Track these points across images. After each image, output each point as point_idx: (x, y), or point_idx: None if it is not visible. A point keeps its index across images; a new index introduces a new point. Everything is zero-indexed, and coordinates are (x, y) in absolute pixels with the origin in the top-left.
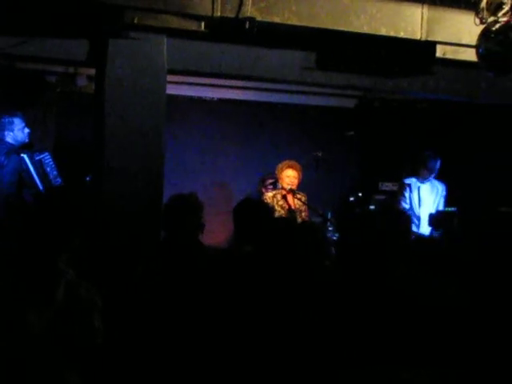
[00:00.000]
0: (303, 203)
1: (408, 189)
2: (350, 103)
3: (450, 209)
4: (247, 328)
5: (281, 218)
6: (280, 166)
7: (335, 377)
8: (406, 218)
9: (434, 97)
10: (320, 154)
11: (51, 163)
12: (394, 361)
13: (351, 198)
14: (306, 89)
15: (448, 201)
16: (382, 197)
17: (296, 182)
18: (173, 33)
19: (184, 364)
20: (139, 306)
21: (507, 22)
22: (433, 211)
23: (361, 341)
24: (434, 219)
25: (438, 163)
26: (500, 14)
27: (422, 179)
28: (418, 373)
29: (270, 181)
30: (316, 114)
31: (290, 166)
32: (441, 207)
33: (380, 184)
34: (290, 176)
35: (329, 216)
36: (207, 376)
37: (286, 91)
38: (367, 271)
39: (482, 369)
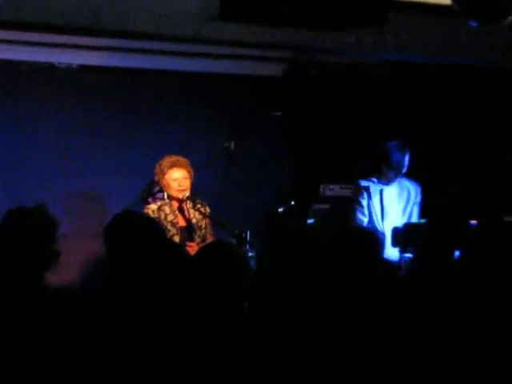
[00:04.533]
0: (206, 216)
1: (365, 194)
2: (275, 70)
3: (421, 221)
4: None
5: (174, 242)
6: (158, 166)
7: None
8: (374, 242)
9: (396, 58)
10: (232, 146)
11: None
12: None
13: (280, 209)
14: (209, 50)
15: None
16: (324, 206)
17: (188, 184)
18: None
19: None
20: None
21: None
22: (400, 225)
23: None
24: (398, 235)
25: (407, 156)
26: None
27: (386, 180)
28: None
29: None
30: (225, 86)
31: (173, 165)
32: (414, 218)
33: (322, 188)
34: (177, 179)
35: (247, 236)
36: None
37: (180, 54)
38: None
39: None
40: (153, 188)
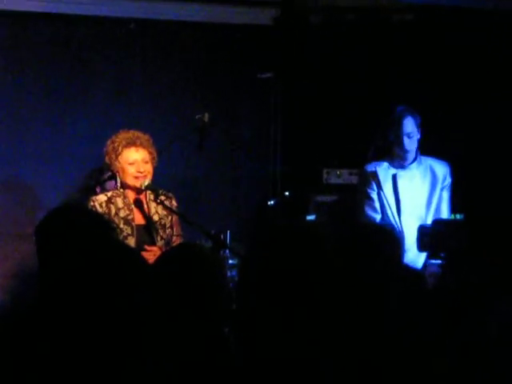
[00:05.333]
0: (173, 212)
1: (374, 183)
2: (264, 16)
3: (456, 216)
4: None
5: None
6: (111, 144)
7: None
8: (393, 243)
9: (428, 1)
10: (206, 118)
11: None
12: None
13: (270, 202)
14: None
15: (454, 199)
16: (328, 197)
17: (149, 169)
18: None
19: None
20: None
21: None
22: (426, 220)
23: None
24: (427, 236)
25: (417, 123)
26: None
27: (400, 161)
28: None
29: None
30: (198, 38)
31: (130, 143)
32: (445, 213)
33: (325, 173)
34: (135, 161)
35: (226, 239)
36: None
37: None
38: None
39: None
40: (103, 174)
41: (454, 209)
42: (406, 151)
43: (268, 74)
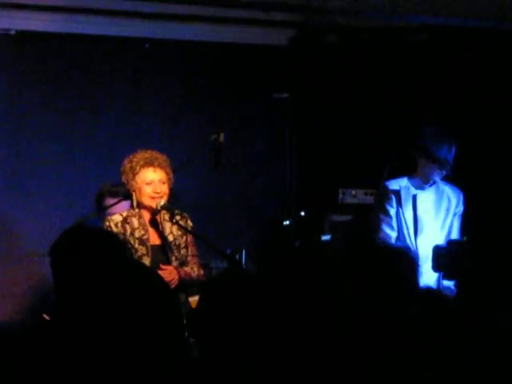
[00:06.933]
0: (188, 232)
1: (394, 200)
2: (280, 37)
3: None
4: None
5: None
6: (128, 164)
7: None
8: (410, 266)
9: (435, 21)
10: (222, 138)
11: None
12: None
13: (286, 222)
14: (195, 11)
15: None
16: (344, 217)
17: (165, 190)
18: None
19: None
20: None
21: None
22: (440, 241)
23: None
24: (442, 257)
25: (454, 150)
26: None
27: (422, 181)
28: None
29: (112, 199)
30: (215, 59)
31: (148, 163)
32: (454, 234)
33: (341, 193)
34: (152, 182)
35: (242, 258)
36: None
37: (157, 16)
38: None
39: None
40: (103, 199)
41: (461, 231)
42: (432, 176)
43: (284, 94)
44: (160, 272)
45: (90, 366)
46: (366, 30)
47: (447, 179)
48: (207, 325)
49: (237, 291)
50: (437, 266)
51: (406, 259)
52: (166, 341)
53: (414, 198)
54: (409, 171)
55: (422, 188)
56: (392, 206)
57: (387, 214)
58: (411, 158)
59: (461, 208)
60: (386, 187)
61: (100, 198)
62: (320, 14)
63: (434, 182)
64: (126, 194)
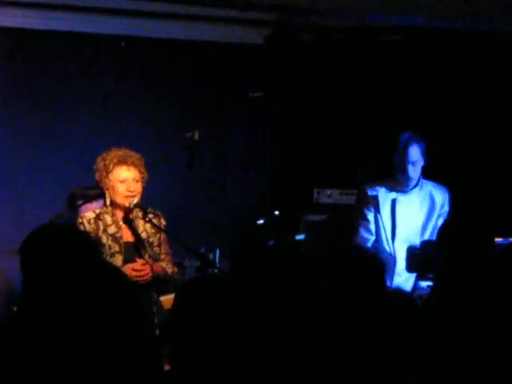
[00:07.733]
0: (161, 231)
1: (372, 204)
2: (256, 36)
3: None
4: None
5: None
6: (102, 162)
7: None
8: (378, 269)
9: (408, 21)
10: (196, 137)
11: None
12: None
13: (260, 221)
14: (171, 9)
15: None
16: (319, 217)
17: (139, 188)
18: None
19: None
20: None
21: None
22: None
23: None
24: (416, 257)
25: (423, 145)
26: None
27: (401, 186)
28: None
29: (82, 200)
30: (190, 57)
31: (121, 161)
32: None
33: (316, 193)
34: (125, 180)
35: (215, 257)
36: None
37: (130, 14)
38: None
39: None
40: (74, 199)
41: None
42: (409, 178)
43: (259, 93)
44: (132, 264)
45: (55, 364)
46: (340, 29)
47: (430, 179)
48: (181, 327)
49: (211, 293)
50: (410, 266)
51: (373, 262)
52: (132, 339)
53: (394, 202)
54: (386, 172)
55: (403, 191)
56: (370, 211)
57: (365, 218)
58: (386, 157)
59: (446, 209)
60: (364, 191)
61: (72, 199)
62: (295, 14)
63: (417, 184)
64: (97, 196)
